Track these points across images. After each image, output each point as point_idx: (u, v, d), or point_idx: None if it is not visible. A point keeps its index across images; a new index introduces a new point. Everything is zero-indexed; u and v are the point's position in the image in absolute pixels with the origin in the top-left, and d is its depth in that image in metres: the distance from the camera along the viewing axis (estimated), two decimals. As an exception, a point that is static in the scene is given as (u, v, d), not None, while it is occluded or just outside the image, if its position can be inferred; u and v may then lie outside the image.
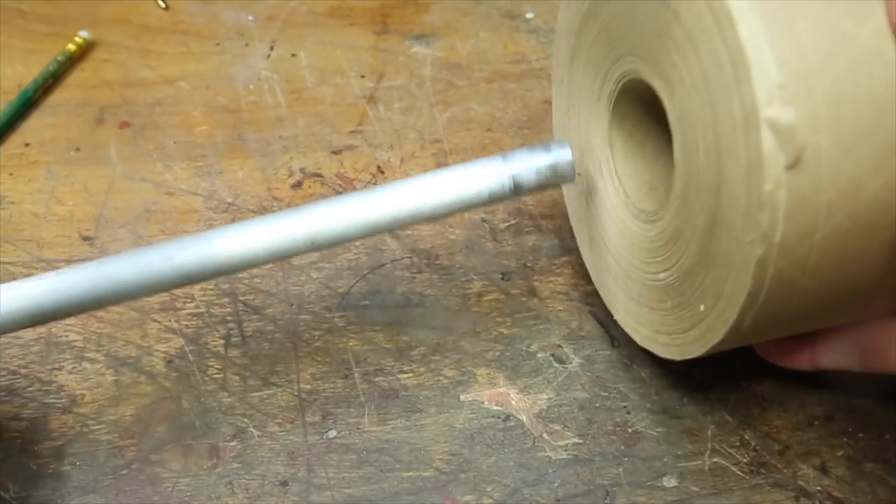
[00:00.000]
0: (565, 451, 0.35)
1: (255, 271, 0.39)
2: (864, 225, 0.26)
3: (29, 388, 0.35)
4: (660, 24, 0.28)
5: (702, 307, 0.29)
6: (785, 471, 0.34)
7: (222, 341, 0.37)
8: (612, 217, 0.35)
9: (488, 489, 0.33)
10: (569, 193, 0.39)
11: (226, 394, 0.35)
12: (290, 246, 0.30)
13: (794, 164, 0.24)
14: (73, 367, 0.36)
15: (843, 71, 0.25)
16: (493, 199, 0.31)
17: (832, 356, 0.33)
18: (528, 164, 0.32)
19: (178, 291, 0.38)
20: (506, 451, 0.34)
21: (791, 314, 0.28)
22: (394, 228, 0.31)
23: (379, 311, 0.38)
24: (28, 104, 0.45)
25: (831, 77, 0.25)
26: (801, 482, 0.34)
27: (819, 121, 0.25)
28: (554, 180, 0.32)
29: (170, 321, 0.38)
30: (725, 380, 0.36)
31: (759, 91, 0.24)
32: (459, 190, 0.31)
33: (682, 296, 0.31)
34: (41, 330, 0.37)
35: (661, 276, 0.32)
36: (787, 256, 0.26)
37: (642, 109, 0.32)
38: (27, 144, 0.44)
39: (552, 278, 0.40)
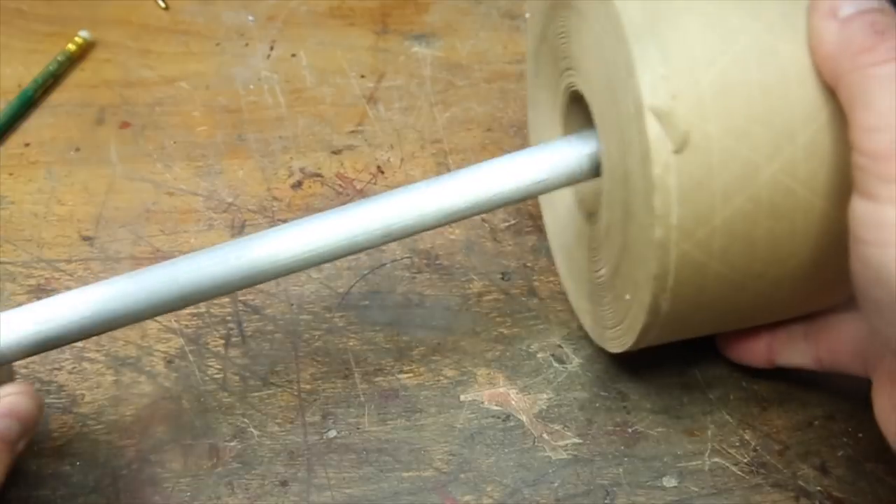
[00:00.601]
0: (565, 451, 0.35)
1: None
2: (766, 208, 0.27)
3: (29, 388, 0.35)
4: (580, 34, 0.31)
5: (627, 296, 0.31)
6: (785, 471, 0.34)
7: (222, 341, 0.37)
8: (572, 224, 0.36)
9: (488, 489, 0.33)
10: (543, 205, 0.41)
11: (226, 394, 0.35)
12: (365, 238, 0.31)
13: (680, 149, 0.26)
14: (73, 367, 0.36)
15: (731, 62, 0.26)
16: (570, 181, 0.32)
17: (788, 355, 0.34)
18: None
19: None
20: (506, 451, 0.34)
21: (711, 301, 0.29)
22: (472, 215, 0.32)
23: (379, 311, 0.38)
24: (28, 104, 0.45)
25: (718, 68, 0.26)
26: (801, 482, 0.34)
27: (706, 108, 0.26)
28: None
29: (170, 321, 0.38)
30: (725, 380, 0.36)
31: (643, 83, 0.26)
32: (536, 171, 0.32)
33: (614, 289, 0.32)
34: (41, 330, 0.37)
35: (602, 272, 0.33)
36: (688, 239, 0.27)
37: (585, 118, 0.33)
38: (27, 144, 0.44)
39: (552, 278, 0.40)
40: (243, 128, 0.45)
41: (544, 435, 0.35)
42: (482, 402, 0.36)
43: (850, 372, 0.33)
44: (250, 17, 0.50)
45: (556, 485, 0.34)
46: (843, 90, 0.25)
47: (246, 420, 0.35)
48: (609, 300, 0.33)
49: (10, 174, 0.43)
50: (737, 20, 0.27)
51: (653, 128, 0.26)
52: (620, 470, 0.34)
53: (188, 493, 0.33)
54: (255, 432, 0.35)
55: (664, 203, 0.26)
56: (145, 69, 0.47)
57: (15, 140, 0.44)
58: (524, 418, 0.35)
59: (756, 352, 0.35)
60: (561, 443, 0.35)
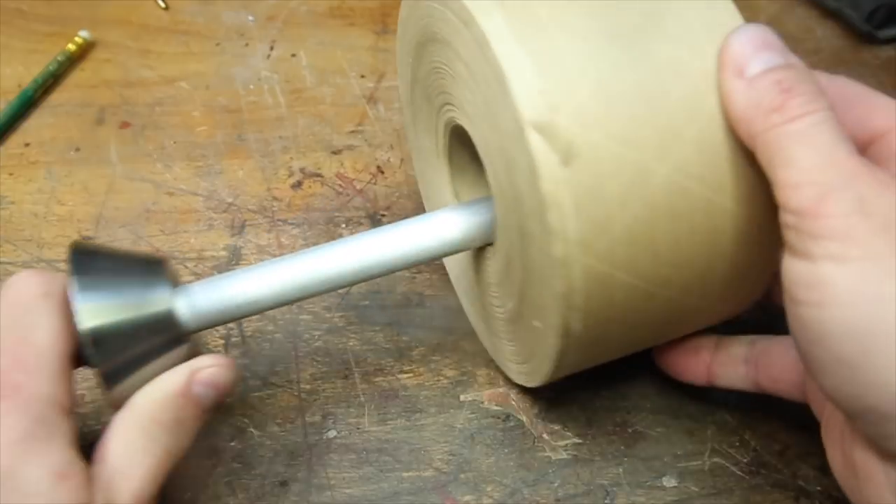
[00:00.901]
0: (565, 451, 0.35)
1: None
2: (664, 211, 0.27)
3: (29, 388, 0.35)
4: (451, 66, 0.30)
5: (536, 323, 0.30)
6: (785, 471, 0.34)
7: (222, 341, 0.37)
8: (470, 263, 0.35)
9: (488, 489, 0.33)
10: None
11: (226, 394, 0.35)
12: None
13: (567, 161, 0.25)
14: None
15: (606, 68, 0.26)
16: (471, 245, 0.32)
17: (727, 378, 0.33)
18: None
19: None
20: (506, 451, 0.34)
21: (623, 314, 0.28)
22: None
23: (379, 311, 0.38)
24: (28, 104, 0.45)
25: (593, 75, 0.26)
26: (801, 482, 0.34)
27: (588, 117, 0.26)
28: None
29: (170, 321, 0.38)
30: (725, 380, 0.36)
31: (520, 99, 0.26)
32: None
33: (523, 319, 0.31)
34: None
35: (508, 305, 0.32)
36: (589, 252, 0.26)
37: (470, 153, 0.33)
38: (27, 144, 0.44)
39: (552, 278, 0.40)
40: (243, 128, 0.45)
41: (544, 435, 0.35)
42: (482, 402, 0.36)
43: (791, 398, 0.32)
44: (250, 17, 0.50)
45: (556, 485, 0.34)
46: (760, 151, 0.25)
47: (246, 420, 0.35)
48: (520, 333, 0.32)
49: (10, 174, 0.43)
50: (605, 26, 0.27)
51: (536, 143, 0.25)
52: (620, 470, 0.34)
53: (188, 493, 0.33)
54: (255, 432, 0.35)
55: (559, 218, 0.26)
56: (145, 69, 0.47)
57: (15, 140, 0.44)
58: (524, 418, 0.35)
59: (695, 371, 0.34)
60: (561, 443, 0.35)
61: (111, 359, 0.28)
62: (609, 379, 0.36)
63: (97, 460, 0.26)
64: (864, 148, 0.28)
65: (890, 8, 0.48)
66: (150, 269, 0.30)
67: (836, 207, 0.23)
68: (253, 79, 0.47)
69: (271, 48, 0.49)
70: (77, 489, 0.25)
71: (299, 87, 0.47)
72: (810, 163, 0.24)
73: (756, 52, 0.26)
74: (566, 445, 0.35)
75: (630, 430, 0.35)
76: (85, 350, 0.27)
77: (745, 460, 0.34)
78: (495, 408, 0.36)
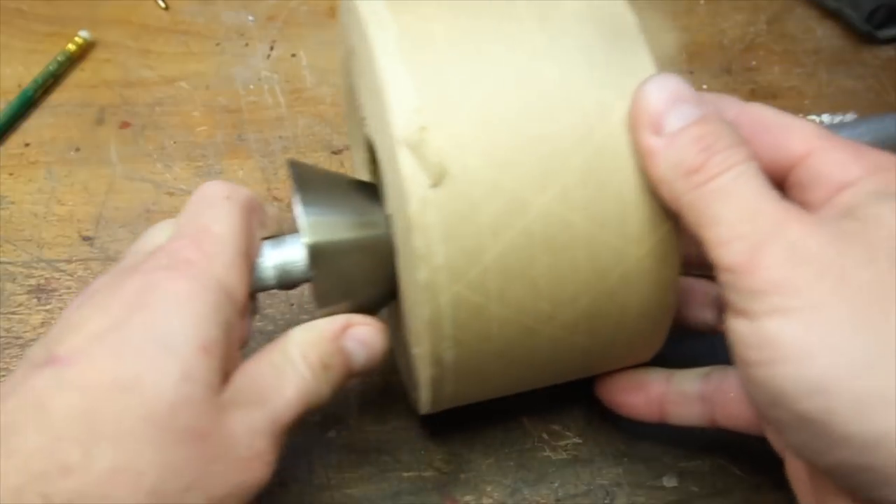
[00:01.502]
0: (565, 451, 0.35)
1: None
2: (541, 242, 0.25)
3: (29, 388, 0.35)
4: (362, 77, 0.29)
5: (415, 350, 0.29)
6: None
7: (222, 341, 0.37)
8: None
9: (488, 489, 0.33)
10: None
11: (226, 394, 0.35)
12: None
13: (437, 183, 0.24)
14: (73, 367, 0.36)
15: (492, 90, 0.25)
16: None
17: (680, 415, 0.32)
18: None
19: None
20: (506, 451, 0.34)
21: (504, 349, 0.27)
22: None
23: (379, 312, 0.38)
24: (28, 104, 0.45)
25: (478, 97, 0.25)
26: (801, 482, 0.34)
27: (465, 138, 0.25)
28: None
29: (170, 321, 0.38)
30: (725, 380, 0.36)
31: (395, 116, 0.25)
32: None
33: (408, 344, 0.30)
34: (39, 329, 0.37)
35: (402, 330, 0.31)
36: (459, 280, 0.25)
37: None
38: (27, 144, 0.44)
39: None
40: (243, 128, 0.45)
41: (544, 435, 0.35)
42: (482, 402, 0.36)
43: (749, 433, 0.31)
44: (250, 17, 0.50)
45: (556, 485, 0.34)
46: (685, 212, 0.24)
47: (246, 420, 0.35)
48: (410, 359, 0.31)
49: (10, 174, 0.43)
50: (498, 47, 0.26)
51: (405, 162, 0.25)
52: (620, 470, 0.34)
53: (188, 493, 0.33)
54: (255, 432, 0.34)
55: (426, 242, 0.25)
56: (145, 69, 0.47)
57: (15, 140, 0.44)
58: (524, 418, 0.35)
59: (645, 409, 0.32)
60: (561, 443, 0.35)
61: (326, 277, 0.28)
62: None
63: (240, 371, 0.26)
64: (786, 174, 0.27)
65: (890, 8, 0.48)
66: (367, 192, 0.30)
67: (769, 259, 0.23)
68: (253, 79, 0.47)
69: (271, 48, 0.49)
70: (211, 370, 0.25)
71: (299, 87, 0.47)
72: (736, 217, 0.23)
73: (671, 105, 0.25)
74: (566, 445, 0.35)
75: (630, 431, 0.35)
76: (299, 268, 0.28)
77: (745, 461, 0.34)
78: (495, 408, 0.36)
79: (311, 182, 0.29)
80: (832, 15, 0.50)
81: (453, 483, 0.34)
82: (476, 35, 0.26)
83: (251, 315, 0.29)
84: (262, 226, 0.29)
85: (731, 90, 0.47)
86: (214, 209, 0.28)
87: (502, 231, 0.25)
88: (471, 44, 0.26)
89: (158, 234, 0.29)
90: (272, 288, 0.29)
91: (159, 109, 0.46)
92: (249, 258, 0.28)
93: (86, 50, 0.47)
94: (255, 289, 0.29)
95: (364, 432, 0.35)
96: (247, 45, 0.49)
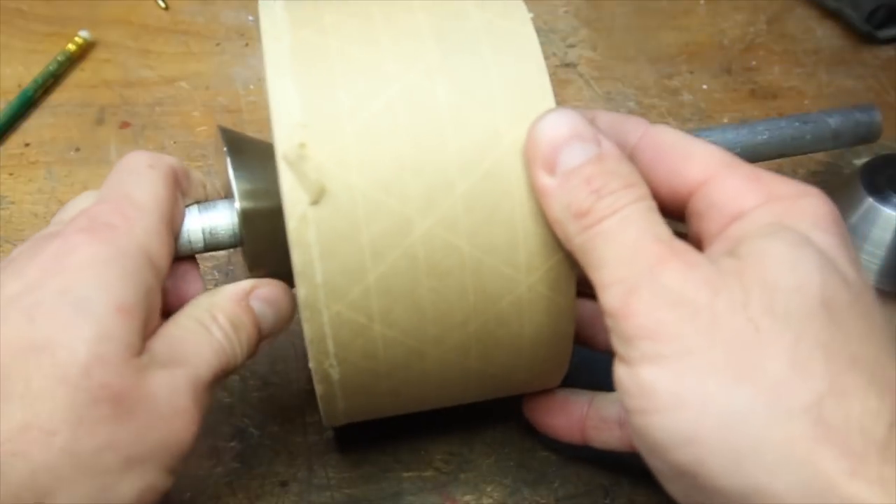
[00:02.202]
0: (565, 451, 0.34)
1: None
2: (425, 266, 0.25)
3: (29, 388, 0.35)
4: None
5: (310, 364, 0.28)
6: (785, 471, 0.34)
7: (222, 341, 0.37)
8: None
9: (488, 489, 0.33)
10: None
11: (226, 394, 0.35)
12: None
13: (317, 200, 0.24)
14: (73, 367, 0.36)
15: (381, 109, 0.25)
16: None
17: (601, 439, 0.31)
18: None
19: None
20: (506, 451, 0.34)
21: (393, 369, 0.27)
22: None
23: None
24: (28, 104, 0.45)
25: (366, 115, 0.25)
26: (801, 482, 0.34)
27: (349, 157, 0.25)
28: None
29: (170, 321, 0.38)
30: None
31: (278, 131, 0.25)
32: None
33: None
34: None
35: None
36: (340, 299, 0.25)
37: None
38: (27, 144, 0.44)
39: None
40: (243, 128, 0.45)
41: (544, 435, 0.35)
42: (482, 402, 0.36)
43: None
44: (250, 17, 0.50)
45: (556, 485, 0.34)
46: (577, 254, 0.24)
47: (246, 420, 0.35)
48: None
49: (10, 174, 0.43)
50: (392, 66, 0.26)
51: (286, 178, 0.24)
52: (620, 470, 0.34)
53: (188, 493, 0.33)
54: (255, 432, 0.35)
55: (305, 259, 0.24)
56: (145, 69, 0.47)
57: (15, 140, 0.44)
58: (524, 418, 0.35)
59: (568, 432, 0.32)
60: (561, 443, 0.35)
61: (255, 241, 0.28)
62: (609, 379, 0.36)
63: (157, 334, 0.27)
64: (685, 203, 0.26)
65: (890, 8, 0.48)
66: None
67: (640, 304, 0.22)
68: (253, 79, 0.47)
69: (271, 48, 0.49)
70: (131, 330, 0.25)
71: (299, 87, 0.47)
72: (617, 260, 0.23)
73: (565, 143, 0.24)
74: (566, 445, 0.35)
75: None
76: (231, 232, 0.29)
77: (745, 460, 0.34)
78: (495, 407, 0.36)
79: (242, 149, 0.30)
80: (832, 15, 0.50)
81: (453, 483, 0.34)
82: (372, 51, 0.26)
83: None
84: (187, 194, 0.29)
85: (731, 90, 0.47)
86: (137, 176, 0.28)
87: (385, 252, 0.25)
88: (366, 60, 0.26)
89: (82, 202, 0.29)
90: (200, 251, 0.29)
91: (159, 109, 0.46)
92: (173, 225, 0.28)
93: (86, 50, 0.47)
94: (183, 252, 0.29)
95: (364, 432, 0.35)
96: (247, 45, 0.49)
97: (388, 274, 0.25)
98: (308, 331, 0.25)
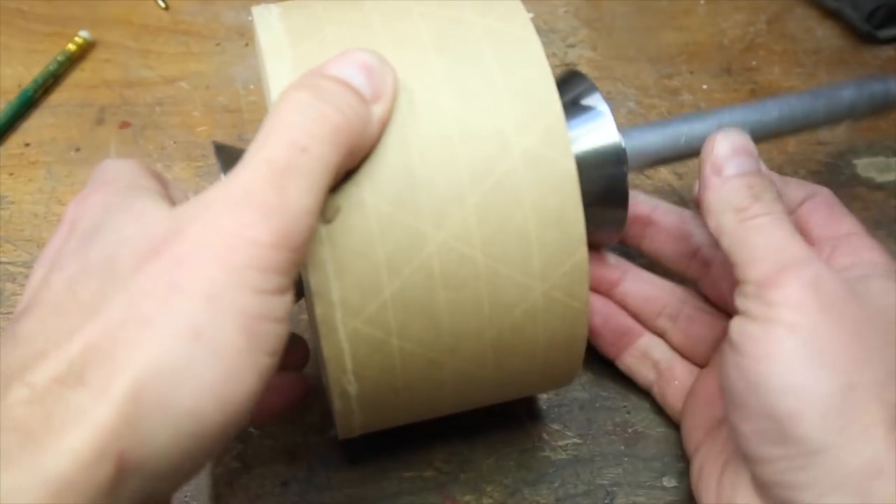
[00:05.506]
0: (565, 451, 0.35)
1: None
2: (441, 278, 0.25)
3: (29, 388, 0.35)
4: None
5: (324, 380, 0.28)
6: (785, 471, 0.34)
7: (222, 341, 0.37)
8: None
9: (488, 489, 0.33)
10: None
11: (226, 394, 0.35)
12: None
13: (330, 219, 0.24)
14: (73, 367, 0.36)
15: (391, 126, 0.25)
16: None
17: (630, 369, 0.36)
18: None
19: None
20: (506, 451, 0.34)
21: (411, 381, 0.27)
22: None
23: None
24: (28, 104, 0.45)
25: None
26: (801, 482, 0.34)
27: (360, 174, 0.24)
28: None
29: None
30: (725, 380, 0.36)
31: None
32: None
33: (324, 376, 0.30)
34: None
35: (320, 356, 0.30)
36: (356, 316, 0.25)
37: None
38: (27, 144, 0.44)
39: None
40: (243, 128, 0.45)
41: (544, 435, 0.35)
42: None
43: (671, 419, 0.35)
44: (250, 18, 0.50)
45: (556, 485, 0.34)
46: (725, 239, 0.29)
47: (246, 420, 0.35)
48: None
49: (10, 174, 0.43)
50: (401, 77, 0.25)
51: None
52: (620, 470, 0.34)
53: (188, 493, 0.33)
54: (255, 432, 0.35)
55: (321, 278, 0.24)
56: (145, 69, 0.47)
57: (15, 140, 0.44)
58: (524, 418, 0.35)
59: (610, 346, 0.36)
60: (561, 443, 0.35)
61: None
62: (609, 379, 0.36)
63: None
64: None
65: (890, 8, 0.48)
66: None
67: (795, 279, 0.27)
68: (253, 78, 0.47)
69: (271, 48, 0.49)
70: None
71: (299, 87, 0.47)
72: (770, 245, 0.28)
73: (734, 155, 0.30)
74: (566, 445, 0.35)
75: (630, 430, 0.35)
76: None
77: (745, 460, 0.34)
78: (496, 407, 0.36)
79: (235, 161, 0.29)
80: (832, 15, 0.50)
81: (453, 483, 0.34)
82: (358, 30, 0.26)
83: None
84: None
85: (731, 90, 0.47)
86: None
87: (400, 267, 0.25)
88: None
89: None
90: None
91: (159, 109, 0.46)
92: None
93: (86, 50, 0.47)
94: None
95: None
96: (247, 45, 0.49)
97: (404, 288, 0.25)
98: (325, 348, 0.25)
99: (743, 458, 0.28)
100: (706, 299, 0.35)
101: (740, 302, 0.28)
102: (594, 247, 0.34)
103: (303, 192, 0.22)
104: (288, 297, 0.22)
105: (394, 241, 0.25)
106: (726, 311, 0.34)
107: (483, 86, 0.26)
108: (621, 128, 0.31)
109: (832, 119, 0.37)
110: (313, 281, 0.25)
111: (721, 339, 0.33)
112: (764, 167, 0.31)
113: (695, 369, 0.35)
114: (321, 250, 0.24)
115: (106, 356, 0.20)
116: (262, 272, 0.21)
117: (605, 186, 0.31)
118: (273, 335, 0.21)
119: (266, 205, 0.21)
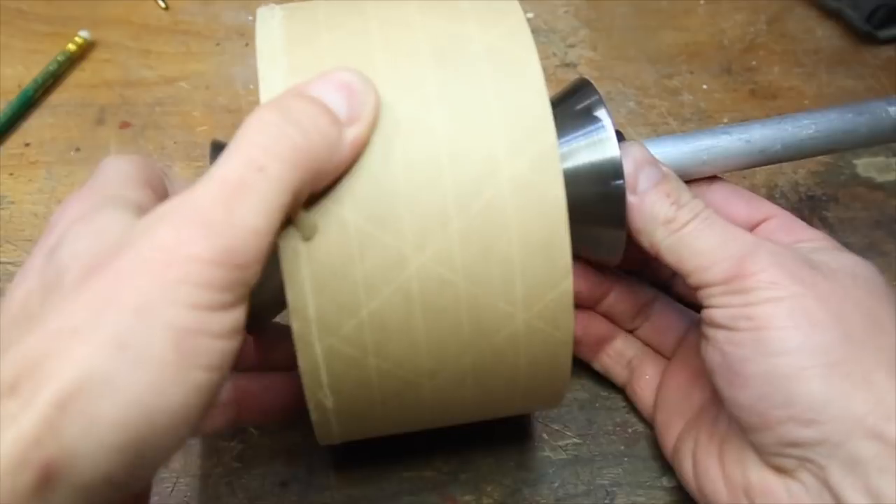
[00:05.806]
0: (565, 451, 0.35)
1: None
2: (420, 301, 0.25)
3: (29, 388, 0.35)
4: None
5: (305, 391, 0.28)
6: (785, 471, 0.34)
7: (222, 341, 0.37)
8: None
9: (488, 489, 0.33)
10: None
11: (226, 394, 0.35)
12: None
13: (309, 237, 0.24)
14: (73, 367, 0.36)
15: (375, 141, 0.24)
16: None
17: (605, 367, 0.36)
18: None
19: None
20: (505, 450, 0.34)
21: (387, 397, 0.27)
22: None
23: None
24: (28, 104, 0.45)
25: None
26: (801, 482, 0.34)
27: (341, 192, 0.24)
28: None
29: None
30: (725, 380, 0.36)
31: None
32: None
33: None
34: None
35: None
36: (333, 333, 0.25)
37: None
38: (27, 144, 0.44)
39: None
40: (243, 128, 0.45)
41: (544, 435, 0.35)
42: (482, 402, 0.36)
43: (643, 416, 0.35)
44: (250, 17, 0.50)
45: (556, 485, 0.34)
46: (665, 255, 0.29)
47: (246, 420, 0.35)
48: None
49: (10, 174, 0.43)
50: (388, 93, 0.25)
51: None
52: (620, 470, 0.34)
53: (188, 493, 0.33)
54: (255, 432, 0.35)
55: (298, 294, 0.24)
56: (145, 69, 0.47)
57: (15, 140, 0.44)
58: (525, 418, 0.35)
59: (585, 345, 0.36)
60: (561, 443, 0.35)
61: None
62: (608, 379, 0.36)
63: None
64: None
65: (890, 8, 0.48)
66: None
67: (758, 264, 0.28)
68: (253, 79, 0.47)
69: (271, 48, 0.49)
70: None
71: (299, 87, 0.47)
72: (716, 246, 0.29)
73: (640, 168, 0.30)
74: (566, 445, 0.35)
75: (630, 430, 0.35)
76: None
77: (745, 460, 0.34)
78: (495, 408, 0.36)
79: None
80: (832, 15, 0.50)
81: (453, 483, 0.34)
82: (369, 75, 0.25)
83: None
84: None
85: (731, 90, 0.47)
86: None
87: (379, 287, 0.24)
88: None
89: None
90: None
91: (159, 109, 0.46)
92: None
93: (86, 50, 0.47)
94: None
95: (364, 432, 0.35)
96: (247, 45, 0.49)
97: (382, 309, 0.25)
98: (301, 363, 0.25)
99: (744, 430, 0.28)
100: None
101: (713, 301, 0.28)
102: (592, 265, 0.34)
103: (253, 211, 0.22)
104: (234, 314, 0.22)
105: (373, 260, 0.24)
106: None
107: (477, 106, 0.25)
108: (640, 138, 0.31)
109: (875, 139, 0.33)
110: (290, 296, 0.24)
111: (689, 328, 0.34)
112: (663, 165, 0.31)
113: (664, 362, 0.35)
114: (299, 267, 0.24)
115: (37, 367, 0.20)
116: (198, 287, 0.21)
117: (601, 204, 0.30)
118: (211, 351, 0.21)
119: (211, 222, 0.21)
